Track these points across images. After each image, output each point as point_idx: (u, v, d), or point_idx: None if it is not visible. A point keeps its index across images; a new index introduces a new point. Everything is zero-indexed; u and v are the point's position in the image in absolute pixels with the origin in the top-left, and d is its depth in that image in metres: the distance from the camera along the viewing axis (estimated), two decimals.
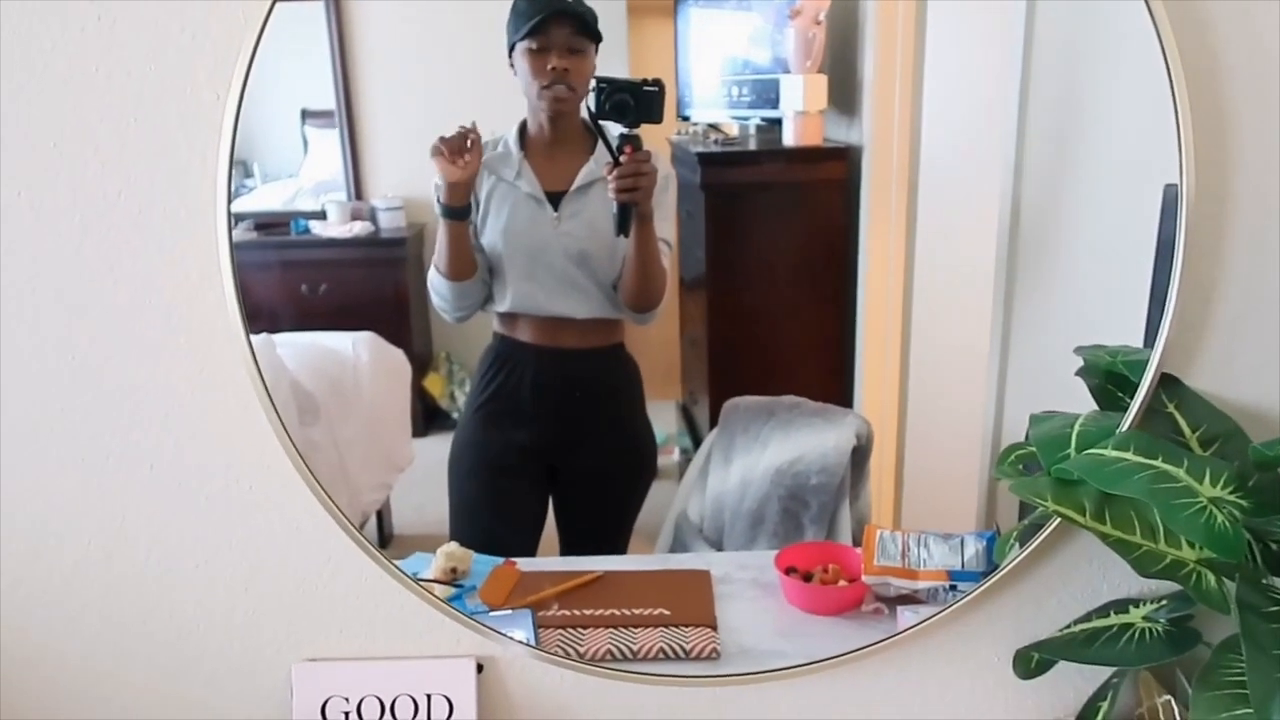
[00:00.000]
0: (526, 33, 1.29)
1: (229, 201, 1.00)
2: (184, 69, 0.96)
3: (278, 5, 1.00)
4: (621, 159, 1.27)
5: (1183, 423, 0.97)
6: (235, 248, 1.03)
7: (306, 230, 1.53)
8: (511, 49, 1.32)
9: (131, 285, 1.05)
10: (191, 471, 1.13)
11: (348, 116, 1.52)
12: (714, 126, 1.64)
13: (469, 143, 1.31)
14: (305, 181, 1.55)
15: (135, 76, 0.97)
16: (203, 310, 1.05)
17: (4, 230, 1.04)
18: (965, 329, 1.46)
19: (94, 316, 1.07)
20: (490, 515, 1.49)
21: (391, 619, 1.17)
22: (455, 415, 1.63)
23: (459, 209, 1.34)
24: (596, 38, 1.31)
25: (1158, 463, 0.87)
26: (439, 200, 1.34)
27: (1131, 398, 1.01)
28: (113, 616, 1.20)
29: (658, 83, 1.26)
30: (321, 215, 1.54)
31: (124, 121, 0.98)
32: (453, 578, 1.21)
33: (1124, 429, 0.98)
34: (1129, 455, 0.88)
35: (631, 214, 1.31)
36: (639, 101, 1.25)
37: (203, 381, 1.09)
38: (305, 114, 1.54)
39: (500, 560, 1.26)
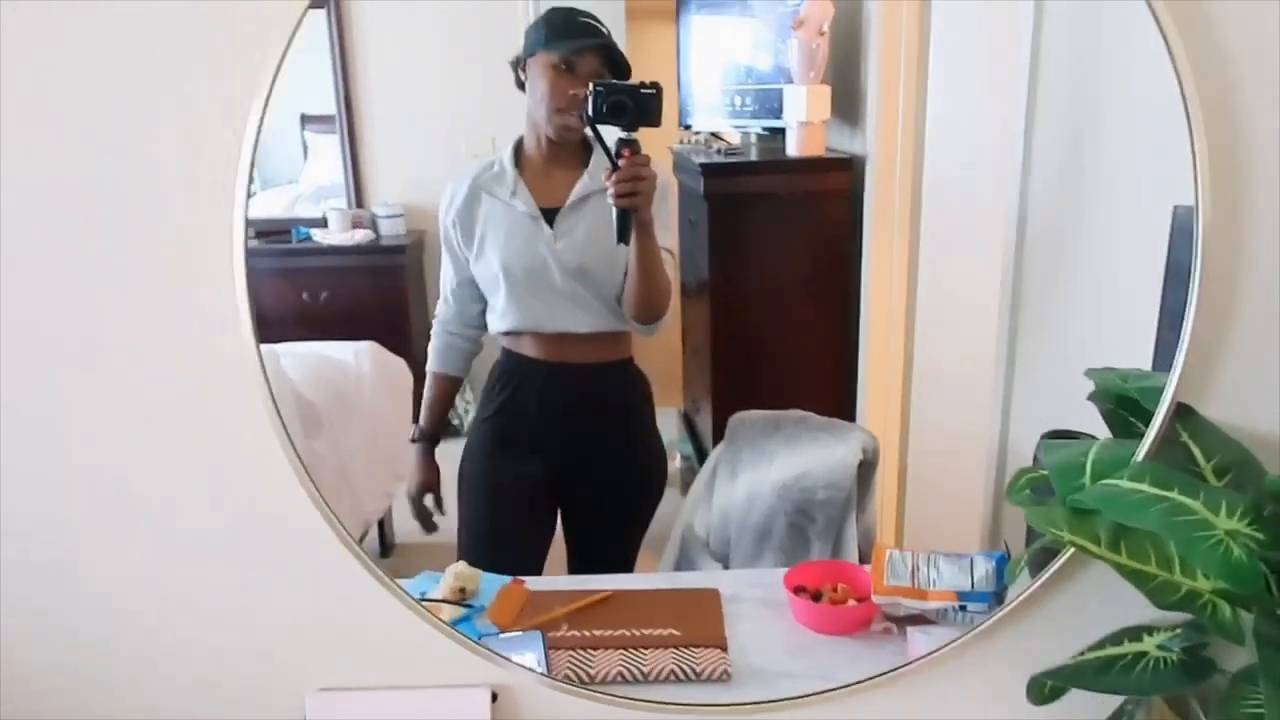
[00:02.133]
0: (560, 54, 1.29)
1: (246, 224, 1.00)
2: (203, 101, 0.96)
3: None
4: (620, 163, 1.26)
5: (1197, 452, 0.97)
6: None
7: (308, 237, 1.53)
8: (528, 57, 1.31)
9: (146, 306, 1.06)
10: (205, 503, 1.13)
11: (348, 122, 1.52)
12: (715, 135, 1.64)
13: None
14: (305, 187, 1.55)
15: (151, 106, 0.97)
16: (217, 332, 1.05)
17: (24, 248, 1.05)
18: (970, 343, 1.47)
19: (107, 339, 1.08)
20: (499, 531, 1.49)
21: (404, 646, 1.16)
22: (455, 422, 1.63)
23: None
24: (620, 78, 1.30)
25: (1174, 495, 0.87)
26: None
27: (1143, 422, 1.02)
28: (125, 647, 1.19)
29: (655, 85, 1.25)
30: (322, 223, 1.54)
31: (140, 152, 0.98)
32: (461, 597, 1.21)
33: (1139, 459, 0.99)
34: (1145, 487, 0.88)
35: (631, 220, 1.29)
36: (636, 104, 1.24)
37: (220, 413, 1.10)
38: (305, 119, 1.53)
39: (508, 579, 1.26)
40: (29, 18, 0.98)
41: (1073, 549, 1.02)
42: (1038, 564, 1.09)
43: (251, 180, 1.43)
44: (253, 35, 0.96)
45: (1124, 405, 1.03)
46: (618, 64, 1.30)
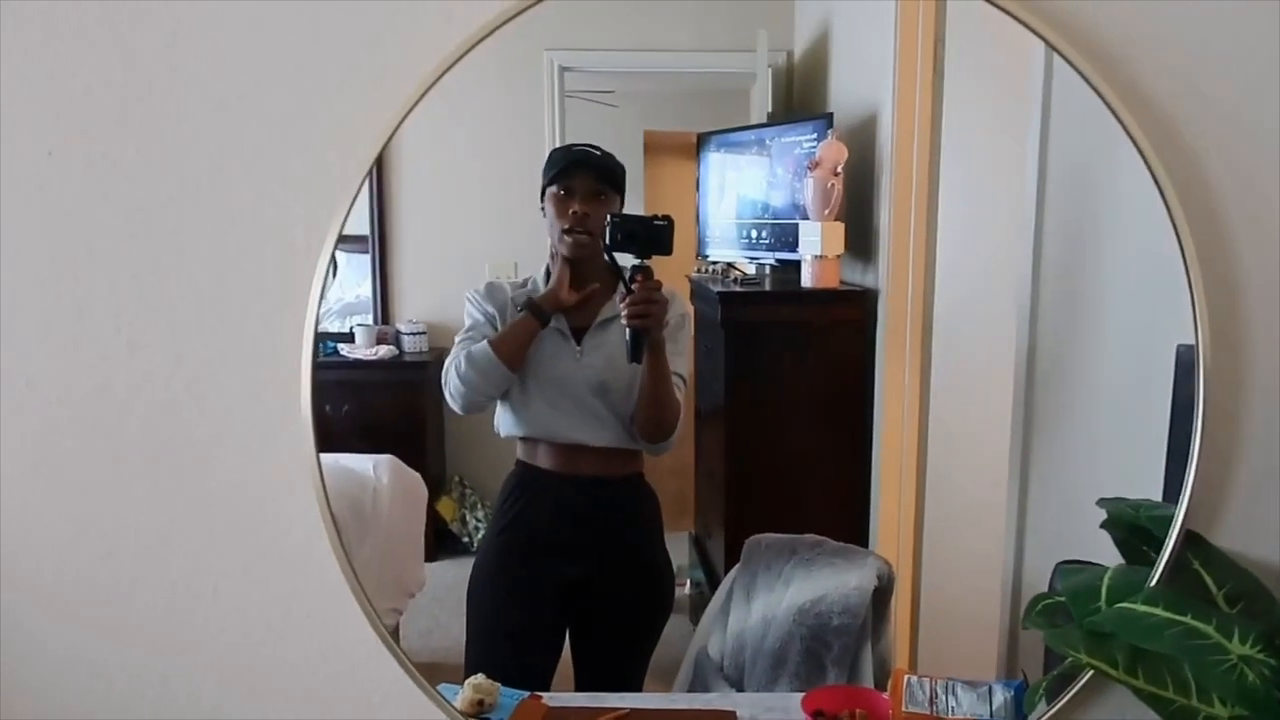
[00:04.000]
0: (553, 178, 1.40)
1: (315, 346, 1.06)
2: (283, 224, 1.03)
3: None
4: (633, 287, 1.33)
5: (1209, 580, 0.99)
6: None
7: (334, 351, 1.58)
8: (542, 194, 1.41)
9: (214, 418, 1.12)
10: (255, 601, 1.17)
11: (380, 244, 1.59)
12: (731, 265, 1.71)
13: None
14: (332, 303, 1.60)
15: (238, 229, 1.05)
16: (279, 446, 1.09)
17: (103, 363, 1.11)
18: (982, 472, 1.49)
19: (175, 449, 1.13)
20: (508, 643, 1.49)
21: None
22: (465, 539, 1.64)
23: (548, 315, 1.41)
24: (618, 187, 1.41)
25: (1187, 619, 0.89)
26: (531, 299, 1.41)
27: (1155, 551, 1.04)
28: None
29: (666, 218, 1.34)
30: (349, 338, 1.59)
31: (224, 269, 1.06)
32: (479, 710, 1.20)
33: (1152, 584, 1.00)
34: (1159, 611, 0.90)
35: (644, 340, 1.36)
36: (648, 233, 1.33)
37: (276, 515, 1.14)
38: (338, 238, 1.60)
39: (525, 694, 1.25)
40: (141, 141, 1.07)
41: (1089, 676, 1.03)
42: (1055, 692, 1.09)
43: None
44: (334, 163, 1.04)
45: (1137, 534, 1.05)
46: (609, 172, 1.41)
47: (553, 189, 1.40)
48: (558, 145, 1.50)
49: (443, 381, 1.42)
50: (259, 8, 1.02)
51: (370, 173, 1.53)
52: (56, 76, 1.02)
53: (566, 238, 1.40)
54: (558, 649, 1.48)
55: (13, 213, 1.04)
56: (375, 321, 1.61)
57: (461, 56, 1.00)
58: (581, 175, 1.40)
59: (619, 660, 1.51)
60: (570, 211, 1.39)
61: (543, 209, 1.42)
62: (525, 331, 1.41)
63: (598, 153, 1.41)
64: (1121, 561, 1.06)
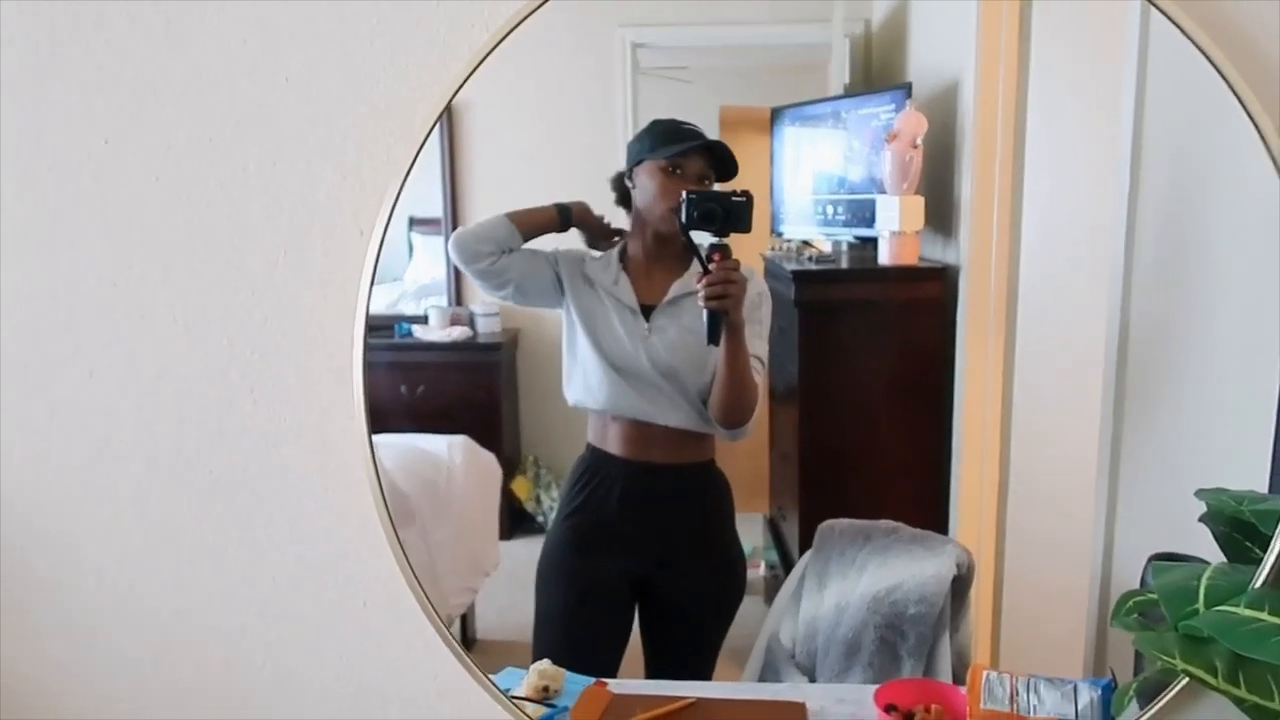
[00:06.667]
0: (668, 157, 1.35)
1: (366, 331, 1.05)
2: (334, 208, 1.03)
3: None
4: (711, 267, 1.29)
5: None
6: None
7: (409, 333, 1.59)
8: (635, 165, 1.37)
9: (268, 404, 1.12)
10: (311, 590, 1.18)
11: (453, 225, 1.58)
12: (807, 243, 1.66)
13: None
14: (408, 285, 1.61)
15: (288, 213, 1.04)
16: (333, 433, 1.09)
17: (160, 351, 1.13)
18: (1069, 459, 1.43)
19: (231, 436, 1.14)
20: (575, 629, 1.48)
21: None
22: (540, 519, 1.64)
23: (570, 218, 1.40)
24: (727, 176, 1.36)
25: None
26: (563, 204, 1.40)
27: (1260, 548, 0.97)
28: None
29: (745, 194, 1.29)
30: (423, 319, 1.59)
31: (276, 254, 1.06)
32: (544, 696, 1.20)
33: (1256, 585, 0.94)
34: (1264, 615, 0.84)
35: (722, 322, 1.32)
36: (727, 211, 1.29)
37: (332, 502, 1.15)
38: (412, 221, 1.60)
39: (591, 680, 1.25)
40: (192, 127, 1.07)
41: (1185, 680, 0.97)
42: (1148, 695, 1.04)
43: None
44: (383, 151, 1.03)
45: (1239, 529, 0.99)
46: (723, 162, 1.36)
47: (659, 163, 1.36)
48: (653, 120, 1.42)
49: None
50: None
51: (443, 156, 1.57)
52: (108, 66, 1.03)
53: (671, 214, 1.35)
54: (625, 637, 1.47)
55: (71, 201, 1.06)
56: (450, 304, 1.61)
57: (507, 34, 0.98)
58: (695, 157, 1.35)
59: (688, 647, 1.50)
60: (680, 191, 1.33)
61: (629, 181, 1.39)
62: (544, 215, 1.40)
63: (705, 134, 1.37)
64: (1221, 559, 0.99)
